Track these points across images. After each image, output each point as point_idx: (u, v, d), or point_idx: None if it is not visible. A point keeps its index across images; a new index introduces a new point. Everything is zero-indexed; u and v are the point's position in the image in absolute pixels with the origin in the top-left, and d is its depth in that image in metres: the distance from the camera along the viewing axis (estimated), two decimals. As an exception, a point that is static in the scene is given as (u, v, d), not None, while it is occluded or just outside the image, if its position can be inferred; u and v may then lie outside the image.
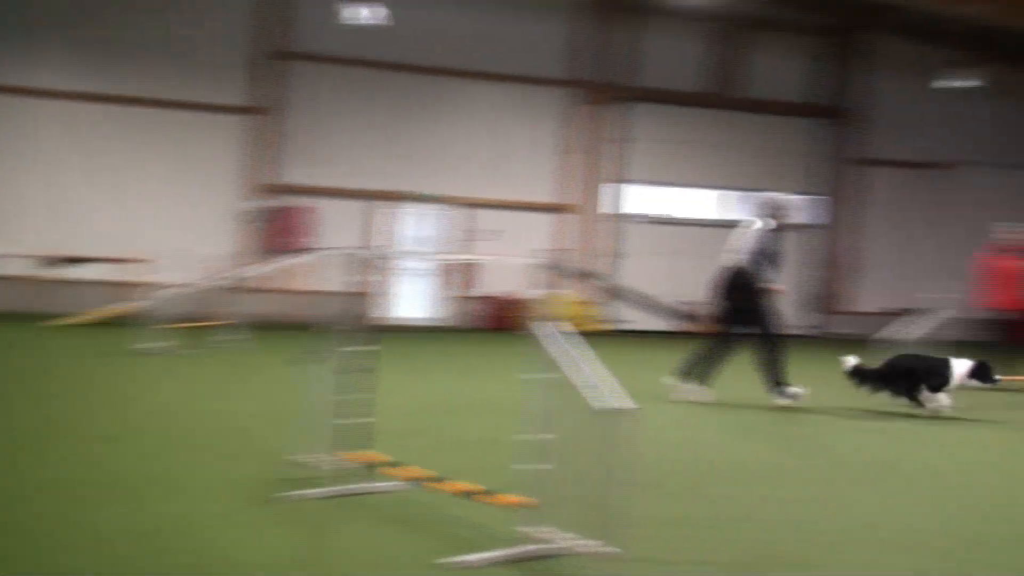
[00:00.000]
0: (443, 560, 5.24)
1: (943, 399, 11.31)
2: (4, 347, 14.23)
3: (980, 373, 11.30)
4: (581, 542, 5.10)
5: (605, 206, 23.18)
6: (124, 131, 20.39)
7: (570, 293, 20.33)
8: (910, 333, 12.50)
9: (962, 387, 11.32)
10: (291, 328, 15.58)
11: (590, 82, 22.70)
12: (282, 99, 21.06)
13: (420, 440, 8.53)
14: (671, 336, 20.90)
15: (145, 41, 20.37)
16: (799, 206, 22.63)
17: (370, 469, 6.59)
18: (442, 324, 21.65)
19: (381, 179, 21.63)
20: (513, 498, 5.57)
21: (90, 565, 4.96)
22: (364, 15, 20.09)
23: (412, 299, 21.72)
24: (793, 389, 11.58)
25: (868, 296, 24.24)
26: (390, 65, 21.57)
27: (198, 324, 14.92)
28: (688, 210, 23.97)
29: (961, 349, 12.62)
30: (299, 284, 19.38)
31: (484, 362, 16.08)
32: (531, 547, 5.32)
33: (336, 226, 21.05)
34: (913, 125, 24.60)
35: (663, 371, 12.23)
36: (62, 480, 6.56)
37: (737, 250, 11.70)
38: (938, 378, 11.30)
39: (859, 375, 11.80)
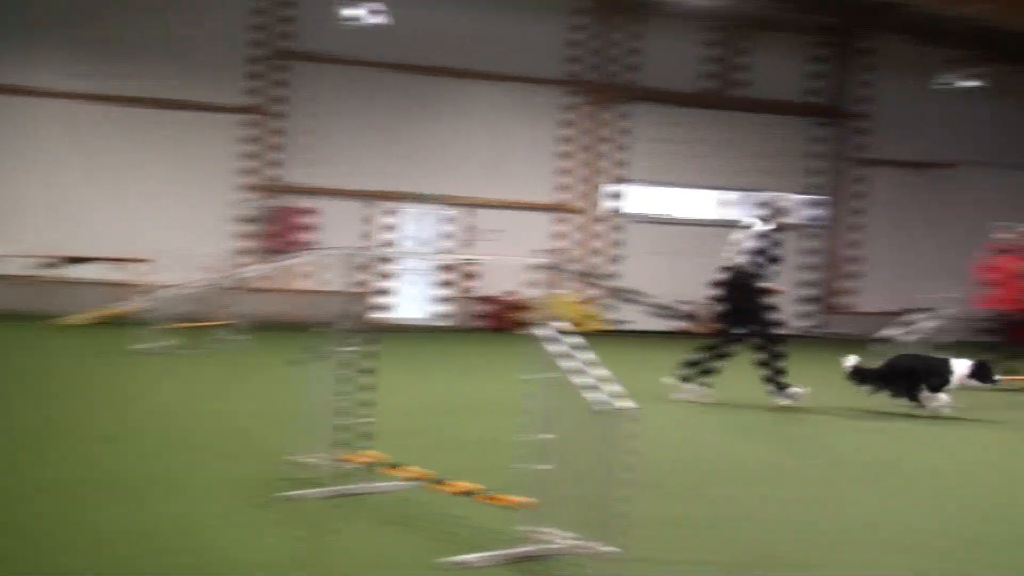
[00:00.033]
0: (443, 560, 5.24)
1: (943, 399, 11.31)
2: (4, 347, 14.23)
3: (980, 373, 11.30)
4: (581, 542, 5.10)
5: (605, 206, 23.18)
6: (124, 131, 20.40)
7: (570, 293, 20.34)
8: (910, 333, 12.49)
9: (962, 387, 11.32)
10: (291, 328, 15.59)
11: (590, 82, 22.71)
12: (282, 99, 21.06)
13: (420, 440, 8.53)
14: (671, 336, 20.90)
15: (145, 41, 20.37)
16: (799, 206, 22.63)
17: (370, 469, 6.59)
18: (442, 324, 21.65)
19: (381, 179, 21.63)
20: (513, 498, 5.57)
21: (90, 565, 4.96)
22: (364, 15, 20.09)
23: (412, 299, 21.72)
24: (793, 389, 11.58)
25: (868, 296, 24.24)
26: (390, 65, 21.57)
27: (198, 324, 14.92)
28: (688, 210, 23.98)
29: (961, 349, 12.63)
30: (299, 284, 19.39)
31: (484, 362, 16.08)
32: (531, 547, 5.32)
33: (336, 226, 21.06)
34: (913, 125, 24.61)
35: (663, 371, 12.23)
36: (62, 480, 6.57)
37: (737, 250, 11.70)
38: (938, 378, 11.30)
39: (859, 375, 11.80)
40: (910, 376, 11.43)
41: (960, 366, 11.29)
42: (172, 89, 20.47)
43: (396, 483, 6.56)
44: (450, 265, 21.73)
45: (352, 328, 6.54)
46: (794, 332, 17.82)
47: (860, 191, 24.64)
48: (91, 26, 20.12)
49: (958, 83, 23.62)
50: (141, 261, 18.87)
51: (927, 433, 10.56)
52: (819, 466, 8.66)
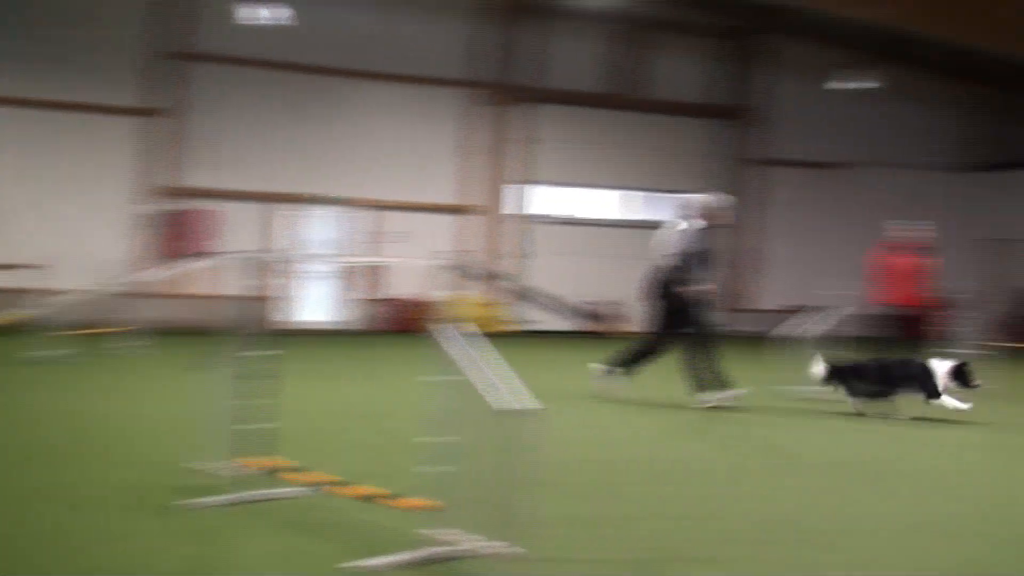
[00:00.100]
0: (347, 564, 5.15)
1: (949, 401, 11.04)
2: None
3: (959, 375, 11.07)
4: (486, 543, 5.05)
5: (510, 207, 23.19)
6: (14, 134, 19.85)
7: (475, 294, 20.29)
8: (809, 330, 12.62)
9: (944, 388, 11.13)
10: (192, 334, 15.30)
11: (493, 83, 22.71)
12: (182, 100, 20.69)
13: (324, 444, 8.42)
14: (577, 336, 20.98)
15: (37, 42, 19.85)
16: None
17: (272, 475, 6.46)
18: (347, 327, 21.47)
19: (283, 181, 21.38)
20: (417, 501, 5.50)
21: (-25, 581, 4.77)
22: (264, 15, 19.84)
23: (316, 302, 21.50)
24: (732, 391, 11.46)
25: (770, 294, 24.61)
26: (292, 66, 21.34)
27: (95, 331, 14.55)
28: (593, 210, 24.12)
29: (861, 345, 12.82)
30: (199, 288, 19.03)
31: (389, 364, 15.95)
32: (436, 549, 5.25)
33: (238, 229, 20.74)
34: (812, 126, 25.08)
35: (570, 370, 12.24)
36: (-52, 493, 6.32)
37: (665, 251, 11.73)
38: (929, 384, 11.03)
39: (838, 375, 11.51)
40: (891, 379, 11.25)
41: (940, 367, 11.09)
42: (65, 91, 19.98)
43: (298, 488, 6.44)
44: (354, 267, 21.55)
45: (253, 332, 6.41)
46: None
47: (761, 191, 25.02)
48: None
49: (856, 85, 24.14)
50: (34, 267, 18.34)
51: (852, 427, 10.68)
52: (736, 463, 8.68)
